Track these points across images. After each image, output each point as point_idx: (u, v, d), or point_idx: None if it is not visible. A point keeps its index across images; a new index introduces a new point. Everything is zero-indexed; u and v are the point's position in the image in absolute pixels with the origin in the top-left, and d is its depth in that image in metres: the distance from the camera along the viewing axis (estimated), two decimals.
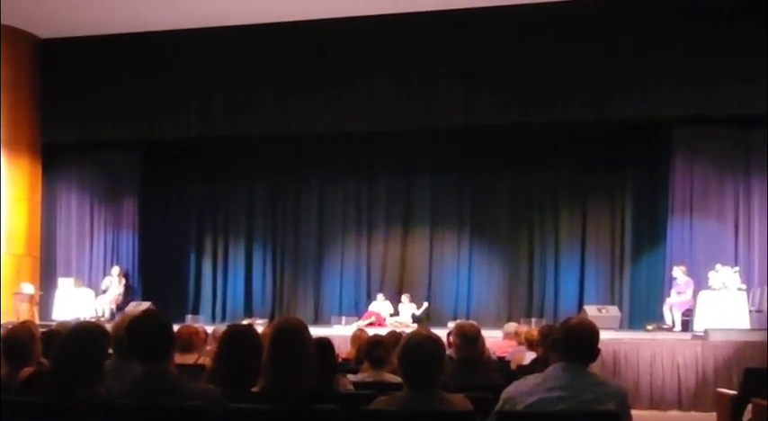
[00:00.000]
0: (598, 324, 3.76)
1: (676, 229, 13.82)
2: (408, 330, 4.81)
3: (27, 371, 4.07)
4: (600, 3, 13.54)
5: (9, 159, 15.38)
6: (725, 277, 12.56)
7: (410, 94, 14.11)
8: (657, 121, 13.71)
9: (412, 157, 16.53)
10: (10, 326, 4.85)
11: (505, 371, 6.36)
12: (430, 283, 16.41)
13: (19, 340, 4.32)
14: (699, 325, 12.30)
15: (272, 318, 15.34)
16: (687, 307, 13.08)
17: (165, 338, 3.48)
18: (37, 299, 15.20)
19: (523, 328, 8.55)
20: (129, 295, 15.81)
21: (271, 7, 14.20)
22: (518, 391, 3.50)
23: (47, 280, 15.89)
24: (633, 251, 15.36)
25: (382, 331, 7.32)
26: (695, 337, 11.58)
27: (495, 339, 9.31)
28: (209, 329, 7.78)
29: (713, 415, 8.88)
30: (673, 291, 13.28)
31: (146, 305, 13.70)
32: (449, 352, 5.92)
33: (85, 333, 3.56)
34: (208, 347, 6.69)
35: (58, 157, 16.14)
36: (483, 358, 5.89)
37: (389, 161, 16.61)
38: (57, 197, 16.42)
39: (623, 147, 15.04)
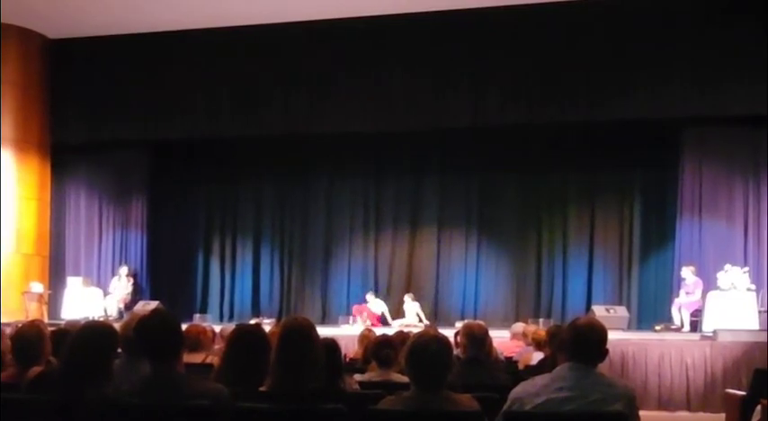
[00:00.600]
0: (606, 324, 3.75)
1: (685, 229, 13.79)
2: (415, 330, 4.82)
3: (36, 370, 4.08)
4: (609, 3, 13.52)
5: (18, 159, 15.45)
6: (734, 277, 12.52)
7: (419, 94, 14.10)
8: (666, 121, 13.66)
9: (420, 158, 16.52)
10: (19, 326, 4.87)
11: (513, 371, 6.35)
12: (437, 283, 16.41)
13: (28, 339, 4.34)
14: (708, 325, 12.26)
15: (279, 318, 15.36)
16: (696, 307, 13.05)
17: (173, 338, 3.48)
18: (46, 298, 15.26)
19: (531, 328, 8.54)
20: (137, 294, 15.86)
21: (280, 7, 14.21)
22: (525, 392, 3.49)
23: (56, 279, 15.95)
24: (642, 251, 15.32)
25: (389, 331, 7.32)
26: (704, 338, 11.55)
27: (502, 339, 9.30)
28: (217, 328, 7.80)
29: (722, 416, 8.86)
30: (681, 292, 13.25)
31: (154, 304, 13.72)
32: (456, 352, 5.93)
33: (95, 333, 3.57)
34: (216, 346, 6.70)
35: (67, 157, 16.20)
36: (490, 358, 5.89)
37: (398, 161, 16.61)
38: (66, 196, 16.48)
39: (632, 147, 15.01)
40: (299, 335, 3.74)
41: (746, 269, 12.70)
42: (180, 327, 3.59)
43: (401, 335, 6.41)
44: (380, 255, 16.76)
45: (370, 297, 15.61)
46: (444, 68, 14.06)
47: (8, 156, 15.28)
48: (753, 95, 12.73)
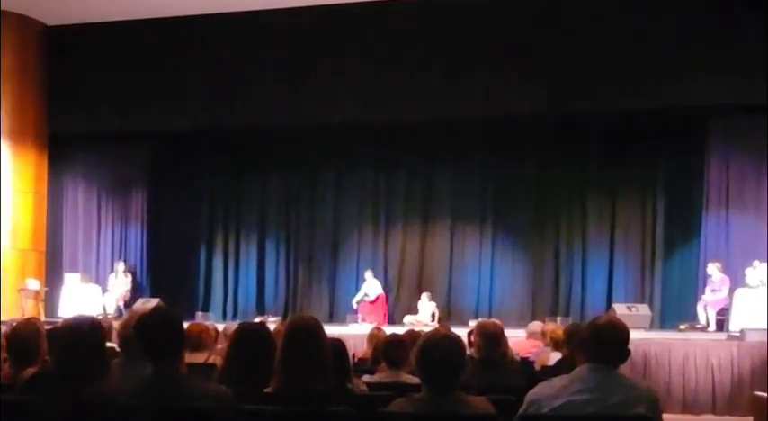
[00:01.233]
0: (628, 323, 3.74)
1: (711, 224, 13.74)
2: (427, 330, 4.81)
3: (30, 370, 4.08)
4: None
5: (14, 150, 15.47)
6: (762, 274, 12.46)
7: (431, 82, 14.04)
8: (692, 111, 13.58)
9: (432, 149, 16.51)
10: (14, 324, 4.87)
11: (529, 372, 6.35)
12: (450, 280, 16.41)
13: (23, 338, 4.34)
14: (735, 324, 12.22)
15: (285, 316, 15.40)
16: (722, 305, 13.00)
17: (174, 337, 3.49)
18: (42, 295, 15.30)
19: (549, 327, 8.52)
20: (136, 291, 15.91)
21: None
22: (543, 394, 3.48)
23: (53, 275, 16.00)
24: (665, 246, 15.27)
25: (400, 330, 7.32)
26: (731, 338, 11.50)
27: (518, 339, 9.29)
28: (220, 327, 7.82)
29: (749, 419, 8.83)
30: (707, 289, 13.20)
31: (154, 302, 13.77)
32: (470, 352, 5.92)
33: (78, 328, 3.55)
34: (219, 346, 6.72)
35: (64, 149, 16.22)
36: (506, 358, 5.88)
37: (409, 153, 16.59)
38: (63, 190, 16.54)
39: (656, 138, 14.95)
40: (305, 335, 3.74)
41: None
42: (181, 326, 3.59)
43: (412, 335, 6.41)
44: (390, 250, 16.76)
45: (368, 274, 15.68)
46: (457, 55, 13.99)
47: (4, 148, 15.31)
48: None
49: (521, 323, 14.20)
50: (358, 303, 15.79)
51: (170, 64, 15.14)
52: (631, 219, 15.63)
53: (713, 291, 13.10)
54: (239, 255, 17.41)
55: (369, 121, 14.71)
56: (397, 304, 16.37)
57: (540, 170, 16.07)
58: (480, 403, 3.45)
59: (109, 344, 4.22)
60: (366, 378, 5.21)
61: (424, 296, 15.59)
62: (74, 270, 16.06)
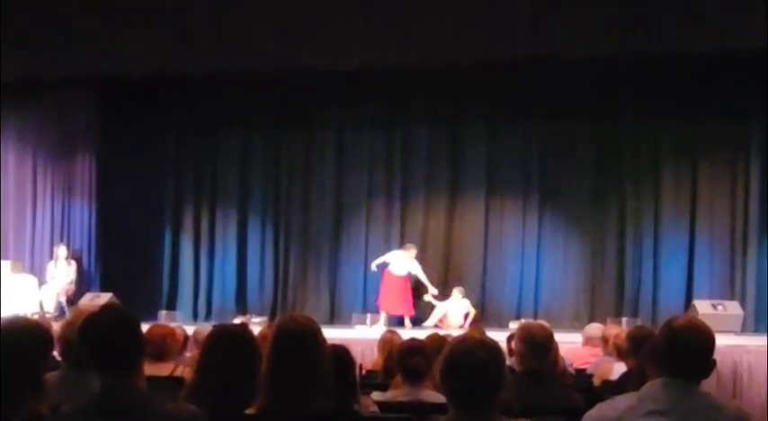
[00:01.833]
0: (713, 325, 3.73)
1: None
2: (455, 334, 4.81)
3: None
4: None
5: None
6: None
7: (460, 14, 13.97)
8: None
9: (462, 101, 16.47)
10: None
11: (586, 388, 6.35)
12: (485, 269, 16.42)
13: None
14: None
15: (272, 317, 15.44)
16: None
17: (130, 342, 3.48)
18: None
19: (611, 331, 8.52)
20: (83, 284, 15.96)
21: None
22: (604, 416, 3.48)
23: None
24: (760, 229, 15.23)
25: (420, 333, 7.33)
26: None
27: (572, 346, 9.29)
28: (190, 330, 7.84)
29: None
30: None
31: (105, 298, 13.82)
32: (510, 362, 5.92)
33: (17, 335, 3.56)
34: (188, 354, 6.75)
35: None
36: (556, 371, 5.88)
37: (432, 106, 16.57)
38: None
39: (746, 88, 14.85)
40: (298, 340, 3.75)
41: None
42: (139, 329, 3.59)
43: (435, 339, 6.41)
44: (408, 231, 16.75)
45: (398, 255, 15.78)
46: None
47: None
48: None
49: (575, 325, 14.24)
50: (379, 266, 15.83)
51: None
52: (718, 191, 15.58)
53: None
54: (214, 237, 17.43)
55: (380, 66, 14.67)
56: (417, 300, 16.36)
57: (600, 129, 16.03)
58: None
59: None
60: (377, 395, 5.22)
61: (456, 292, 15.58)
62: (3, 257, 16.09)
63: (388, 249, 16.24)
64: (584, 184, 16.10)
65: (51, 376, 3.91)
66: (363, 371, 7.64)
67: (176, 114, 17.28)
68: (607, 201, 16.09)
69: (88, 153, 16.51)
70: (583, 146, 16.12)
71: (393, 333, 7.94)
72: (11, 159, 16.63)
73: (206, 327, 5.99)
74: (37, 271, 16.03)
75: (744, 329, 13.43)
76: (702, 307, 13.28)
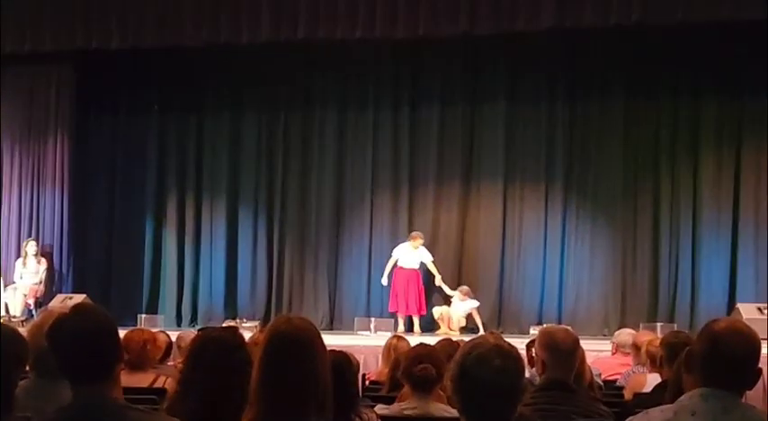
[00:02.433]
0: (759, 331, 3.72)
1: None
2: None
3: None
4: None
5: None
6: None
7: None
8: None
9: (477, 77, 16.48)
10: None
11: (616, 401, 6.34)
12: (502, 269, 16.42)
13: None
14: None
15: (265, 320, 15.42)
16: None
17: (105, 349, 3.48)
18: None
19: (644, 338, 8.52)
20: (54, 285, 15.96)
21: None
22: None
23: None
24: None
25: (431, 339, 7.33)
26: None
27: (600, 354, 9.29)
28: (174, 336, 7.84)
29: None
30: None
31: (79, 299, 13.82)
32: (530, 372, 5.92)
33: None
34: (170, 363, 6.75)
35: None
36: (582, 382, 5.87)
37: (444, 82, 16.58)
38: None
39: None
40: (294, 346, 3.73)
41: None
42: (116, 334, 3.59)
43: (447, 345, 6.43)
44: (417, 223, 16.72)
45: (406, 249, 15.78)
46: None
47: None
48: None
49: (604, 331, 14.24)
50: (390, 274, 15.86)
51: None
52: (765, 181, 15.52)
53: None
54: (201, 230, 17.46)
55: (386, 37, 14.69)
56: (427, 302, 16.34)
57: (631, 108, 16.02)
58: None
59: None
60: (381, 409, 5.23)
61: (457, 295, 15.60)
62: None
63: (395, 245, 16.24)
64: (615, 172, 16.07)
65: (18, 387, 3.91)
66: (366, 382, 7.66)
67: (159, 92, 17.31)
68: (640, 191, 16.07)
69: (61, 136, 16.48)
70: (613, 128, 16.09)
71: (399, 339, 7.93)
72: None
73: (191, 333, 5.99)
74: (2, 270, 16.02)
75: None
76: (747, 311, 13.26)
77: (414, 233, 15.91)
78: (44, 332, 3.68)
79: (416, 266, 15.81)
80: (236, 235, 17.34)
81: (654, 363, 7.33)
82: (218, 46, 15.36)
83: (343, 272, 16.97)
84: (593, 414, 5.08)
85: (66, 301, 14.00)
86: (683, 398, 3.53)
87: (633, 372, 7.89)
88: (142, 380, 5.91)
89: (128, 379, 5.26)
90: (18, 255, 16.08)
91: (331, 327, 16.00)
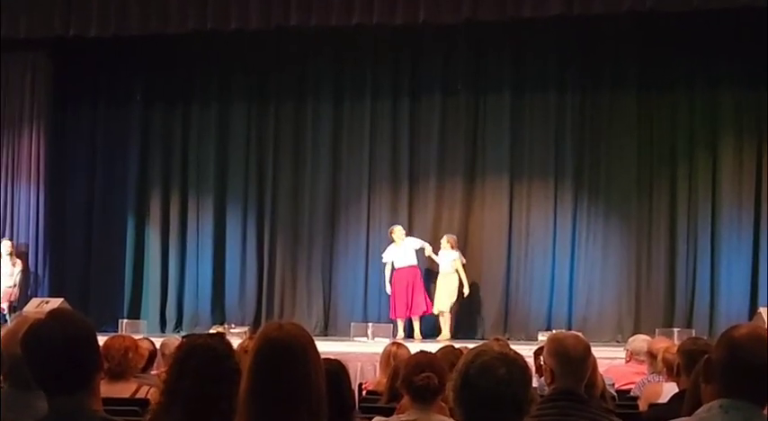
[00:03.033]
0: None
1: None
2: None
3: None
4: None
5: None
6: None
7: None
8: None
9: (481, 65, 16.49)
10: None
11: (631, 413, 6.35)
12: (508, 270, 16.43)
13: None
14: None
15: (255, 326, 15.43)
16: None
17: (83, 357, 3.48)
18: None
19: (660, 344, 8.53)
20: (29, 287, 15.95)
21: None
22: None
23: None
24: None
25: (432, 347, 7.33)
26: None
27: (613, 362, 9.29)
28: (158, 343, 7.84)
29: None
30: None
31: (56, 303, 13.81)
32: (538, 381, 5.92)
33: None
34: (153, 372, 6.75)
35: None
36: (594, 392, 5.88)
37: (446, 71, 16.57)
38: None
39: None
40: (285, 353, 3.73)
41: None
42: (95, 341, 3.59)
43: (449, 352, 6.42)
44: (417, 220, 16.74)
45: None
46: None
47: None
48: None
49: (617, 338, 14.24)
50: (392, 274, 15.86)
51: None
52: None
53: None
54: (186, 229, 17.46)
55: (384, 23, 14.70)
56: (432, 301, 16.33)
57: (645, 99, 16.03)
58: None
59: None
60: None
61: (445, 241, 15.69)
62: None
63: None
64: (628, 167, 16.08)
65: None
66: (363, 392, 7.66)
67: (142, 82, 17.30)
68: (655, 187, 16.07)
69: (36, 128, 16.49)
70: (626, 119, 16.11)
71: (399, 345, 7.93)
72: None
73: (176, 339, 5.98)
74: None
75: None
76: None
77: (390, 228, 15.93)
78: (18, 339, 3.68)
79: (414, 262, 15.79)
80: (223, 234, 17.34)
81: (670, 372, 7.33)
82: (205, 33, 15.38)
83: (338, 274, 16.96)
84: None
85: (42, 306, 13.98)
86: (701, 409, 3.52)
87: (648, 382, 7.89)
88: (123, 390, 5.91)
89: (108, 389, 5.26)
90: None
91: (325, 334, 16.01)
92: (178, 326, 16.79)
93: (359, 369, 11.04)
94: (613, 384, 7.95)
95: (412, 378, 5.37)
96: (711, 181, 15.83)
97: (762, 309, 13.86)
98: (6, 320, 14.89)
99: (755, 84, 15.48)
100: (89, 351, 3.52)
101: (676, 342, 9.03)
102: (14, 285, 15.83)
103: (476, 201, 16.72)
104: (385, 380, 6.99)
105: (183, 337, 4.33)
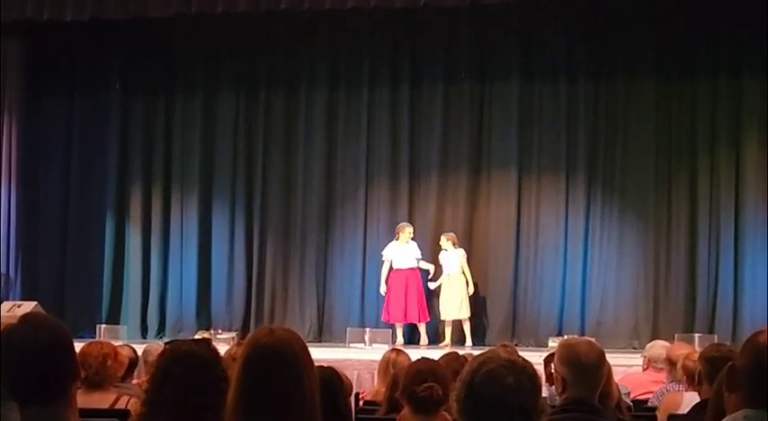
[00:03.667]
0: None
1: None
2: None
3: None
4: None
5: None
6: None
7: None
8: None
9: (487, 49, 16.50)
10: None
11: None
12: (516, 271, 16.43)
13: None
14: None
15: (244, 332, 15.44)
16: None
17: (58, 365, 3.48)
18: None
19: (679, 351, 8.53)
20: (1, 290, 15.95)
21: None
22: None
23: None
24: None
25: (434, 353, 7.34)
26: None
27: (630, 370, 9.30)
28: (138, 349, 7.85)
29: None
30: None
31: (29, 307, 13.81)
32: (548, 390, 5.92)
33: None
34: (135, 381, 6.75)
35: None
36: (609, 402, 5.89)
37: (449, 55, 16.57)
38: None
39: None
40: (276, 361, 3.74)
41: None
42: (71, 348, 3.59)
43: (453, 360, 6.43)
44: (418, 219, 16.73)
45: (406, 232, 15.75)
46: None
47: None
48: None
49: (634, 344, 14.23)
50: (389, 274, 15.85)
51: None
52: None
53: None
54: (169, 228, 17.46)
55: (382, 5, 14.72)
56: (430, 307, 16.34)
57: (664, 86, 16.02)
58: None
59: None
60: None
61: (444, 239, 15.65)
62: None
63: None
64: (646, 160, 16.07)
65: None
66: (360, 402, 7.66)
67: (122, 69, 17.29)
68: (675, 182, 16.06)
69: (8, 119, 16.46)
70: (644, 108, 16.10)
71: (398, 352, 7.94)
72: None
73: (158, 346, 5.98)
74: None
75: None
76: None
77: (399, 225, 15.90)
78: None
79: (414, 265, 15.81)
80: (209, 232, 17.34)
81: (691, 381, 7.33)
82: (190, 16, 15.38)
83: (333, 275, 16.96)
84: None
85: (14, 310, 13.98)
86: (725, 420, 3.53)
87: (667, 391, 7.90)
88: (102, 400, 5.91)
89: (85, 399, 5.27)
90: None
91: (320, 339, 16.02)
92: (161, 331, 16.79)
93: (355, 377, 11.03)
94: (629, 393, 7.96)
95: (413, 387, 5.38)
96: (735, 175, 15.81)
97: None
98: None
99: None
100: (65, 358, 3.51)
101: (697, 348, 9.04)
102: None
103: (481, 198, 16.71)
104: (383, 390, 6.98)
105: (165, 344, 4.34)
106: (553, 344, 12.76)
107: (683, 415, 6.56)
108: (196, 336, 12.46)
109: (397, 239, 15.77)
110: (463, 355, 6.84)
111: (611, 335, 14.94)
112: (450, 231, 15.98)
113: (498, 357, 3.49)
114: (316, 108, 17.02)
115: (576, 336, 10.45)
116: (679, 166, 16.03)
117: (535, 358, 4.76)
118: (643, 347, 10.01)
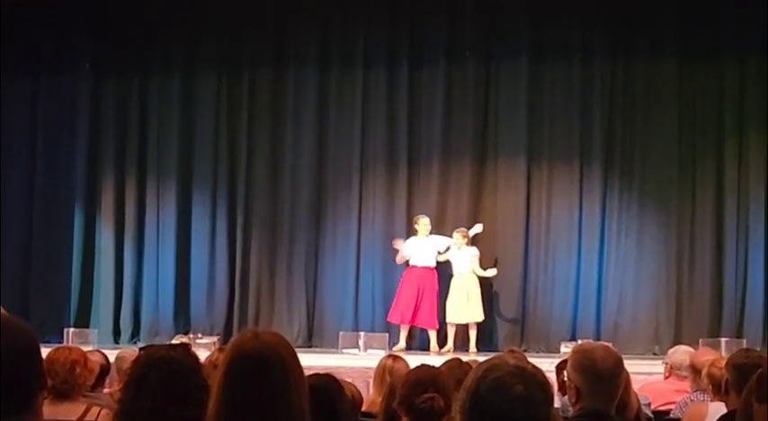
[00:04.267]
0: None
1: None
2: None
3: None
4: None
5: None
6: None
7: None
8: None
9: (493, 27, 16.53)
10: None
11: None
12: (525, 270, 16.47)
13: None
14: None
15: (226, 336, 15.46)
16: None
17: (22, 373, 3.48)
18: None
19: (704, 358, 8.54)
20: None
21: None
22: None
23: None
24: None
25: (435, 360, 7.34)
26: None
27: (650, 378, 9.31)
28: (111, 356, 7.85)
29: None
30: None
31: None
32: (561, 400, 5.93)
33: None
34: (106, 390, 6.75)
35: None
36: (627, 413, 5.90)
37: (451, 35, 16.61)
38: None
39: None
40: (262, 368, 3.74)
41: None
42: (37, 353, 3.60)
43: (456, 367, 6.43)
44: (418, 212, 16.62)
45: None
46: None
47: None
48: None
49: (654, 350, 14.25)
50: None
51: None
52: None
53: None
54: (144, 223, 17.47)
55: None
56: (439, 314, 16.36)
57: (687, 66, 16.03)
58: None
59: None
60: None
61: (457, 236, 15.68)
62: None
63: (390, 240, 16.24)
64: (667, 147, 16.08)
65: None
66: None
67: (92, 47, 17.29)
68: (699, 172, 16.09)
69: None
70: (665, 91, 16.10)
71: (396, 358, 7.93)
72: None
73: (132, 352, 5.98)
74: None
75: None
76: None
77: (415, 217, 15.92)
78: None
79: (433, 264, 15.81)
80: (189, 226, 17.37)
81: (717, 390, 7.35)
82: None
83: (324, 274, 17.00)
84: None
85: None
86: None
87: (691, 401, 7.91)
88: (70, 411, 5.90)
89: (52, 410, 5.28)
90: None
91: (309, 345, 16.05)
92: (135, 336, 16.83)
93: (349, 386, 11.06)
94: (650, 404, 7.96)
95: (412, 398, 5.37)
96: (765, 162, 15.78)
97: None
98: None
99: None
100: (30, 366, 3.50)
101: (724, 354, 9.07)
102: None
103: (487, 189, 16.73)
104: (379, 400, 6.99)
105: (140, 349, 4.34)
106: (566, 349, 12.78)
107: None
108: (174, 341, 12.44)
109: (415, 233, 15.78)
110: (467, 362, 6.83)
111: (629, 339, 14.97)
112: (460, 227, 15.98)
113: (506, 364, 3.49)
114: (305, 90, 17.03)
115: (590, 341, 10.43)
116: (704, 154, 16.03)
117: (546, 365, 4.77)
118: (664, 353, 10.01)
